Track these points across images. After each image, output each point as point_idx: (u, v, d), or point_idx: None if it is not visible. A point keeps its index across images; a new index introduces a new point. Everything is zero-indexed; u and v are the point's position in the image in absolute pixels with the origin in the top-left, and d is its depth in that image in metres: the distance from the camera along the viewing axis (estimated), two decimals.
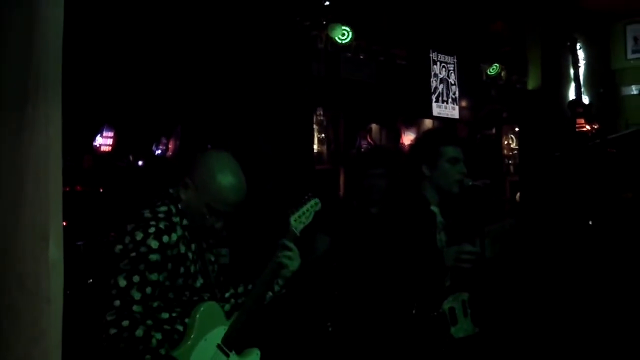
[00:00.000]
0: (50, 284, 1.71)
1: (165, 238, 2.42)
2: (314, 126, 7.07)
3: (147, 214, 2.49)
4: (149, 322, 2.41)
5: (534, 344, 4.82)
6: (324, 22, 6.71)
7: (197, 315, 2.52)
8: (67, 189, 6.22)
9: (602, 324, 4.91)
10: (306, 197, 2.85)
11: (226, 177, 2.55)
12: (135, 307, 2.36)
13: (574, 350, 4.77)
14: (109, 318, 2.35)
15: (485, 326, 3.41)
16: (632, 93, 10.73)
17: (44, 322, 1.67)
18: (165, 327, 2.48)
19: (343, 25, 6.73)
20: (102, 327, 2.37)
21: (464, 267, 3.11)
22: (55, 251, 1.73)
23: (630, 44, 10.90)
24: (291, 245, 2.72)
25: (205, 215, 2.57)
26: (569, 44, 9.73)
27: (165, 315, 2.49)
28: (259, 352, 2.76)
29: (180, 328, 2.51)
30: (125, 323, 2.33)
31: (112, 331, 2.33)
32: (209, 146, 6.40)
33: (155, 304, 2.44)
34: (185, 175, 2.59)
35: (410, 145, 3.47)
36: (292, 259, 2.72)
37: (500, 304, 4.85)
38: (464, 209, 3.50)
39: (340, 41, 6.77)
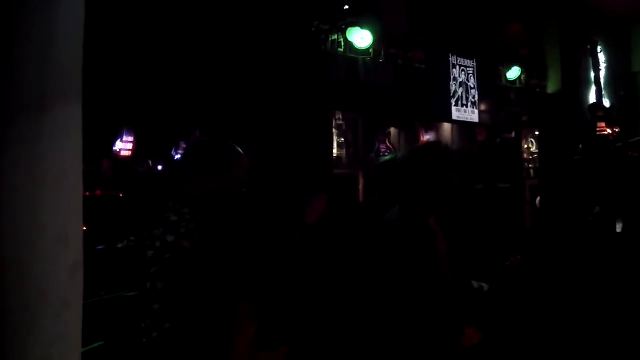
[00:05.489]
0: (69, 288, 1.72)
1: (196, 237, 2.43)
2: (333, 130, 7.06)
3: (173, 217, 2.50)
4: (193, 321, 2.41)
5: (559, 352, 4.78)
6: (343, 26, 6.71)
7: (236, 313, 2.52)
8: (87, 193, 6.25)
9: (624, 330, 4.86)
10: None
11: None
12: (175, 309, 2.36)
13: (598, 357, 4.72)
14: (149, 322, 2.35)
15: (500, 333, 3.39)
16: None
17: (62, 326, 1.68)
18: (210, 324, 2.48)
19: (361, 29, 6.72)
20: (141, 331, 2.37)
21: None
22: (74, 255, 1.74)
23: None
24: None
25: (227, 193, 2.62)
26: (588, 46, 9.67)
27: (209, 313, 2.49)
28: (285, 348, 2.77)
29: (224, 324, 2.51)
30: (167, 325, 2.34)
31: (154, 334, 2.34)
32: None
33: (196, 303, 2.45)
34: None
35: (409, 169, 3.34)
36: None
37: (519, 309, 4.82)
38: (461, 215, 3.48)
39: (358, 45, 6.77)
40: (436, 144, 3.74)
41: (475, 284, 3.68)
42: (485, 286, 4.01)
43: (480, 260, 4.93)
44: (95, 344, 3.72)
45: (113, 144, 7.36)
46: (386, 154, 7.88)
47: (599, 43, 9.87)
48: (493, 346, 3.37)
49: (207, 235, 2.46)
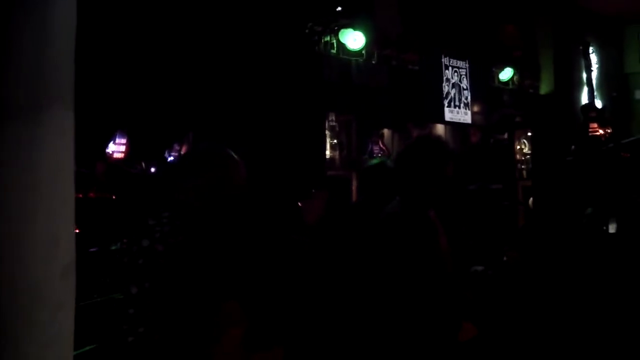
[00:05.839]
0: (63, 290, 1.71)
1: (171, 241, 2.43)
2: (326, 132, 7.06)
3: (151, 221, 2.51)
4: (168, 324, 2.42)
5: (550, 351, 4.79)
6: (336, 28, 6.72)
7: (219, 314, 2.53)
8: (80, 195, 6.24)
9: (615, 330, 4.88)
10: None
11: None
12: (149, 313, 2.37)
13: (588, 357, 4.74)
14: (125, 327, 2.36)
15: (494, 329, 3.40)
16: None
17: (55, 328, 1.68)
18: (187, 328, 2.48)
19: (355, 30, 6.73)
20: (119, 336, 2.38)
21: None
22: (67, 257, 1.74)
23: None
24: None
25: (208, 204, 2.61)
26: (581, 47, 9.71)
27: (186, 317, 2.49)
28: (282, 350, 2.77)
29: (203, 328, 2.51)
30: (141, 329, 2.34)
31: (130, 339, 2.34)
32: None
33: (172, 307, 2.45)
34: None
35: (406, 163, 3.34)
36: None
37: (511, 308, 4.83)
38: (457, 213, 3.50)
39: (351, 47, 6.77)
40: (428, 136, 3.76)
41: (478, 268, 3.69)
42: (485, 270, 4.03)
43: (478, 256, 4.95)
44: (87, 347, 3.71)
45: (106, 146, 7.35)
46: (379, 155, 7.88)
47: (591, 44, 9.91)
48: (488, 341, 3.38)
49: (181, 239, 2.46)
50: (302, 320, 3.28)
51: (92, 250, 5.48)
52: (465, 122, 8.36)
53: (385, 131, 8.45)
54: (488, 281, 3.68)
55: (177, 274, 2.44)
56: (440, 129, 9.13)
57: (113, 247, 5.51)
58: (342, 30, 6.70)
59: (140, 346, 2.35)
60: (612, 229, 6.12)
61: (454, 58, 8.19)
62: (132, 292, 2.38)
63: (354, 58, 6.94)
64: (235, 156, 2.70)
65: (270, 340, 2.71)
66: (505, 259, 5.36)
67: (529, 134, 9.71)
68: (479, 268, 3.61)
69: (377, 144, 8.11)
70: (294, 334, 2.99)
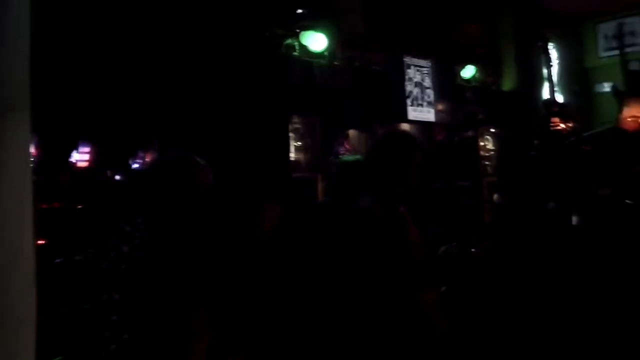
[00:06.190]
0: (24, 304, 1.69)
1: (151, 248, 2.43)
2: (290, 134, 7.05)
3: (127, 227, 2.50)
4: (150, 330, 2.41)
5: (513, 343, 4.83)
6: (298, 30, 6.71)
7: (195, 320, 2.53)
8: (45, 206, 6.16)
9: (582, 322, 4.94)
10: None
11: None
12: (132, 319, 2.36)
13: (555, 349, 4.79)
14: (107, 334, 2.35)
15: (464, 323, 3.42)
16: (604, 90, 10.85)
17: (17, 344, 1.66)
18: (167, 333, 2.48)
19: (317, 32, 6.73)
20: (101, 343, 2.37)
21: None
22: (28, 270, 1.71)
23: (601, 42, 11.06)
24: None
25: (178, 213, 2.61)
26: (540, 43, 9.82)
27: (166, 322, 2.49)
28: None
29: (182, 333, 2.51)
30: (125, 336, 2.34)
31: (113, 346, 2.34)
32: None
33: (153, 313, 2.44)
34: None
35: (376, 157, 3.37)
36: None
37: (480, 302, 4.87)
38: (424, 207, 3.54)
39: (313, 48, 6.77)
40: (393, 131, 3.81)
41: (443, 247, 3.71)
42: (453, 247, 4.05)
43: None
44: None
45: (70, 155, 7.28)
46: (345, 155, 7.88)
47: (552, 41, 10.03)
48: (460, 334, 3.40)
49: (160, 245, 2.47)
50: (264, 327, 3.29)
51: (57, 261, 5.42)
52: (428, 120, 8.41)
53: (351, 132, 8.46)
54: (455, 259, 3.71)
55: (155, 281, 2.44)
56: (406, 128, 9.18)
57: (78, 258, 5.45)
58: (304, 32, 6.70)
59: (123, 353, 2.34)
60: (574, 221, 6.20)
61: (416, 57, 8.24)
62: (114, 299, 2.37)
63: (317, 60, 6.94)
64: (202, 162, 2.71)
65: (234, 348, 2.72)
66: (473, 250, 5.39)
67: (493, 130, 9.80)
68: (446, 247, 3.65)
69: (343, 144, 8.12)
70: (256, 341, 3.00)
